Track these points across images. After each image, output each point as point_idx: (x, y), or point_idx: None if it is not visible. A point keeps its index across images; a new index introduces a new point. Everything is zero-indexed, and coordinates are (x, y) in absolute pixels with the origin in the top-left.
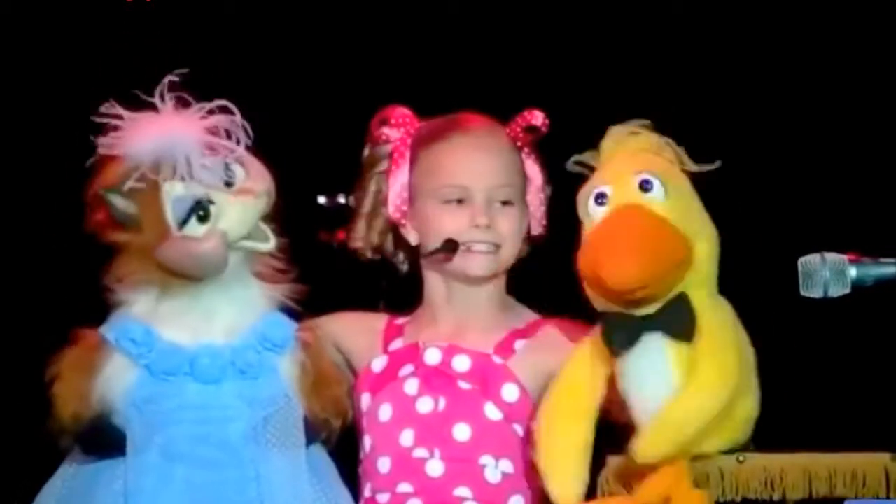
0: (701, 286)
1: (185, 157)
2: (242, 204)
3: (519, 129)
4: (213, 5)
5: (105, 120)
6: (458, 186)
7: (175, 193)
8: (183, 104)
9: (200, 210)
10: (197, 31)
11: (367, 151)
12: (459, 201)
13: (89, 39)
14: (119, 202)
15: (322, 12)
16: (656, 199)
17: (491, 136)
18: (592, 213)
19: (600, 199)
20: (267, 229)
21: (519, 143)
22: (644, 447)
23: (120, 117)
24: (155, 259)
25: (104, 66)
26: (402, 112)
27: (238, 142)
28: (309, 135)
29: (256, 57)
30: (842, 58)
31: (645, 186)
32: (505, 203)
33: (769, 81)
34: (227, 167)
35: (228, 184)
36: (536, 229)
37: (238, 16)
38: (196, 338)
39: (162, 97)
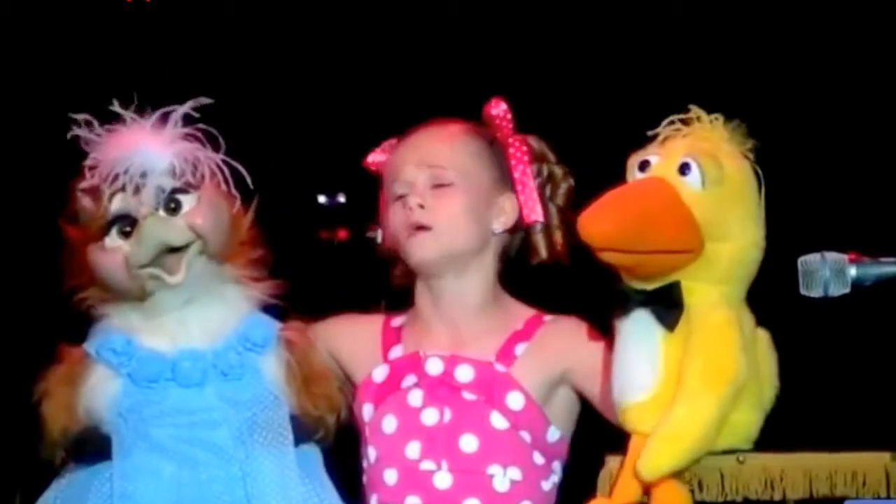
0: (711, 283)
1: (139, 173)
2: (152, 230)
3: (488, 121)
4: (213, 5)
5: (83, 132)
6: (399, 181)
7: (115, 204)
8: (163, 121)
9: (126, 226)
10: (197, 31)
11: None
12: (403, 196)
13: (89, 39)
14: (84, 199)
15: (321, 11)
16: (690, 186)
17: (437, 131)
18: (630, 179)
19: (644, 166)
20: (183, 262)
21: (494, 135)
22: (645, 465)
23: (99, 129)
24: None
25: (103, 66)
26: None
27: (202, 175)
28: (309, 134)
29: (256, 56)
30: (842, 58)
31: (683, 170)
32: (444, 185)
33: (769, 82)
34: (172, 195)
35: (173, 210)
36: (530, 217)
37: (238, 15)
38: (176, 343)
39: (142, 113)
